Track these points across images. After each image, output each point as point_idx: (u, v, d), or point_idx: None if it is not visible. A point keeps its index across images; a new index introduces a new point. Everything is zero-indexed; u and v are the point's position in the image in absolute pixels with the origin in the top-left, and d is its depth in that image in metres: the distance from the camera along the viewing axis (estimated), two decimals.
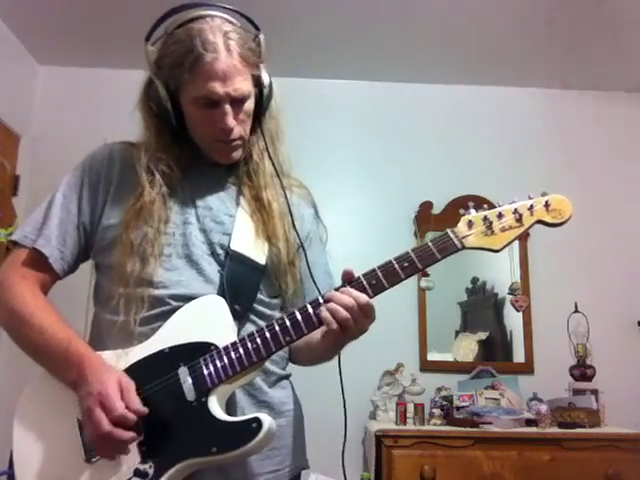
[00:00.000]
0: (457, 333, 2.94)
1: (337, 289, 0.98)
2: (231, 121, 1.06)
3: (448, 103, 3.16)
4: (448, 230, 0.99)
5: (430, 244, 0.98)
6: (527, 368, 2.85)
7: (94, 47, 2.93)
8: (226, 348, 0.97)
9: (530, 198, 0.99)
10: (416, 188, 3.03)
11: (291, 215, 1.14)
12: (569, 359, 2.79)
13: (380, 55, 2.95)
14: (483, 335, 2.93)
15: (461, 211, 1.02)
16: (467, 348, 2.91)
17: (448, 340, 2.92)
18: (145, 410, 0.94)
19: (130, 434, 0.91)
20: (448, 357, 2.90)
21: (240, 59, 1.04)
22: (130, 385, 0.95)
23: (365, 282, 0.98)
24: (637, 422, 2.52)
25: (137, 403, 0.93)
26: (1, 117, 2.74)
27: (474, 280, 2.96)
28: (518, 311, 2.90)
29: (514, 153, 3.11)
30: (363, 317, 0.96)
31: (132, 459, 0.94)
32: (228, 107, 1.05)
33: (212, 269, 1.07)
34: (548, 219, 0.98)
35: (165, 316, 1.02)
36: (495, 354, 2.93)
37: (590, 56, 2.90)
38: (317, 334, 1.03)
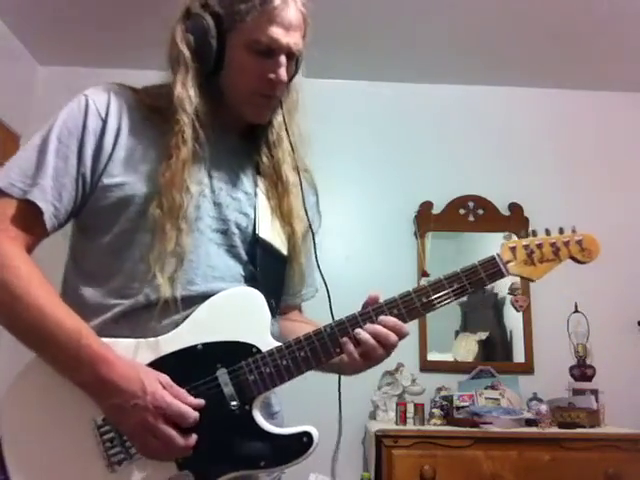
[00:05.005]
0: (457, 333, 2.94)
1: (374, 310, 0.97)
2: (284, 74, 0.97)
3: (448, 103, 3.15)
4: (495, 255, 1.00)
5: (479, 267, 0.99)
6: (527, 368, 2.84)
7: (94, 47, 2.93)
8: (271, 354, 0.89)
9: (561, 232, 1.02)
10: (416, 188, 3.03)
11: (303, 198, 1.07)
12: (569, 359, 2.79)
13: (380, 55, 2.95)
14: (483, 335, 2.93)
15: (503, 239, 1.02)
16: (467, 348, 2.91)
17: (448, 340, 2.92)
18: (201, 402, 0.85)
19: (195, 437, 0.84)
20: (448, 357, 2.90)
21: (302, 16, 0.99)
22: (171, 382, 0.84)
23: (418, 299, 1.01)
24: (637, 422, 2.52)
25: (191, 399, 0.85)
26: (1, 117, 2.74)
27: None
28: (518, 311, 2.90)
29: (514, 153, 3.11)
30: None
31: (167, 469, 0.85)
32: (284, 58, 0.97)
33: (216, 250, 0.95)
34: (579, 257, 1.02)
35: (182, 304, 0.90)
36: (495, 354, 2.93)
37: (590, 56, 2.90)
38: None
